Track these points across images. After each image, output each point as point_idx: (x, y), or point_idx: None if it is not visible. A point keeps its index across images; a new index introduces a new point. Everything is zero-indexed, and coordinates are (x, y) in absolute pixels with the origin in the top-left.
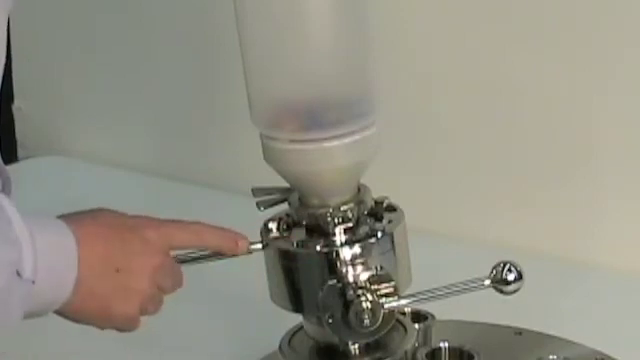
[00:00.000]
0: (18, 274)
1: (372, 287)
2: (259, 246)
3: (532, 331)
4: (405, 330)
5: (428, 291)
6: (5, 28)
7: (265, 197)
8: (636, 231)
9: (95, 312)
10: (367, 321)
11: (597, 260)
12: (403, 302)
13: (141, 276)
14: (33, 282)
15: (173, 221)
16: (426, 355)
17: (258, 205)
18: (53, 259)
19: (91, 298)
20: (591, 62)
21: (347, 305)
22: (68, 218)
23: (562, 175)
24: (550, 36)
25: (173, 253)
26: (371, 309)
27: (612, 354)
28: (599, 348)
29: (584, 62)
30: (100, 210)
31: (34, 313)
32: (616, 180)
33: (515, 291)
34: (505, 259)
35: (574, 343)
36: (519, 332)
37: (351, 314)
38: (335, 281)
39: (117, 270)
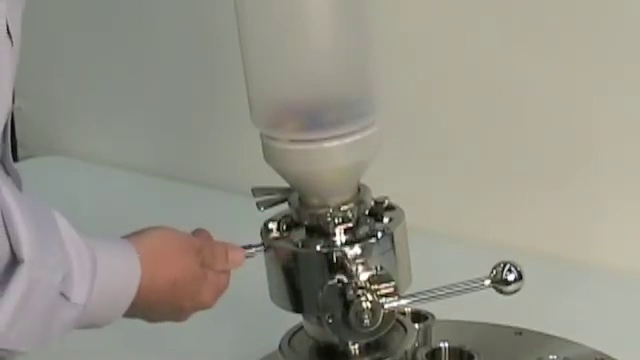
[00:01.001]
0: (65, 297)
1: (372, 287)
2: (252, 250)
3: (532, 331)
4: (405, 330)
5: (428, 291)
6: (20, 27)
7: (265, 197)
8: (636, 231)
9: (145, 316)
10: (367, 321)
11: (597, 260)
12: (403, 302)
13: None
14: (85, 306)
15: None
16: (426, 355)
17: (258, 205)
18: (112, 283)
19: (145, 310)
20: (591, 62)
21: (347, 305)
22: (134, 239)
23: (562, 175)
24: (550, 36)
25: None
26: (371, 309)
27: (612, 354)
28: (599, 348)
29: (584, 62)
30: (159, 229)
31: (81, 327)
32: (616, 180)
33: (515, 291)
34: (505, 259)
35: (574, 343)
36: (519, 332)
37: (351, 314)
38: (335, 281)
39: (174, 283)
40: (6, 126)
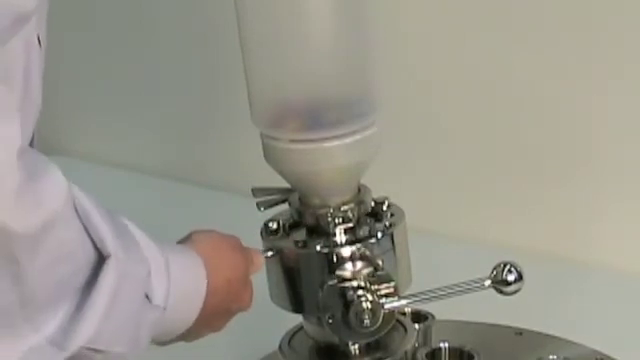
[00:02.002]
0: (148, 298)
1: (372, 287)
2: (268, 254)
3: (532, 331)
4: (405, 330)
5: (429, 291)
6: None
7: (265, 197)
8: (636, 231)
9: (200, 331)
10: (367, 321)
11: (597, 260)
12: (403, 302)
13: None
14: (164, 308)
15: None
16: (426, 355)
17: (258, 205)
18: (185, 287)
19: (203, 318)
20: (591, 62)
21: (347, 305)
22: (189, 245)
23: (562, 175)
24: (550, 36)
25: None
26: (371, 309)
27: (612, 354)
28: (599, 348)
29: (584, 62)
30: (203, 232)
31: (156, 339)
32: (616, 180)
33: (515, 292)
34: (505, 259)
35: (574, 343)
36: (519, 332)
37: (351, 314)
38: (335, 281)
39: (229, 282)
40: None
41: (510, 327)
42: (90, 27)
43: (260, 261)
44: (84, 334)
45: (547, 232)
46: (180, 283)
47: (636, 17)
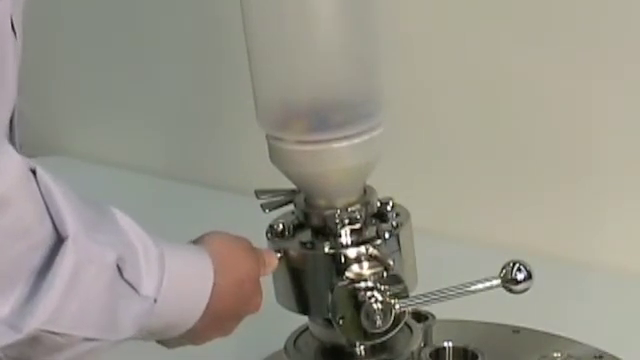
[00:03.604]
0: (132, 287)
1: (382, 288)
2: (280, 255)
3: (533, 330)
4: (411, 331)
5: (438, 291)
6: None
7: (270, 199)
8: (636, 231)
9: (210, 334)
10: (379, 322)
11: (597, 260)
12: (414, 302)
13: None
14: (155, 300)
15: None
16: (430, 355)
17: (263, 207)
18: (185, 282)
19: (212, 319)
20: (592, 62)
21: (358, 306)
22: (201, 242)
23: (562, 175)
24: (550, 36)
25: None
26: (382, 310)
27: (613, 353)
28: (599, 347)
29: (585, 62)
30: (215, 233)
31: (155, 334)
32: (616, 180)
33: (524, 290)
34: (506, 259)
35: (575, 341)
36: (517, 331)
37: (362, 315)
38: (345, 282)
39: (241, 285)
40: (12, 122)
41: (510, 326)
42: (90, 27)
43: (274, 261)
44: (39, 316)
45: (547, 232)
46: (179, 278)
47: (637, 17)
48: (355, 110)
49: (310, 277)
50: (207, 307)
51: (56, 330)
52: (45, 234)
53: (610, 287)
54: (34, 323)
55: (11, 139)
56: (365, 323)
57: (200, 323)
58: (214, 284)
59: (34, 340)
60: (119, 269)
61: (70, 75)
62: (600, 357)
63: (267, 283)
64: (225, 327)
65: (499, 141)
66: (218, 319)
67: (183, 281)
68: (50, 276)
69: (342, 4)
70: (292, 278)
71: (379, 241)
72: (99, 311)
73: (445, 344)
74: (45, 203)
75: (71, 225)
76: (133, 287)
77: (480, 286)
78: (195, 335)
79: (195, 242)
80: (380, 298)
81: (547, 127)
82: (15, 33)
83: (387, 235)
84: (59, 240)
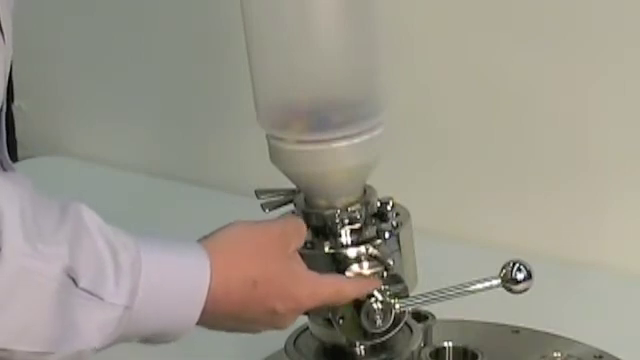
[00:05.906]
0: (98, 298)
1: (382, 288)
2: None
3: (533, 330)
4: (411, 331)
5: (438, 291)
6: (11, 24)
7: (270, 199)
8: (636, 231)
9: (227, 325)
10: (379, 322)
11: (597, 260)
12: (414, 302)
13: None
14: (127, 307)
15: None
16: (430, 354)
17: (263, 207)
18: (171, 286)
19: (227, 318)
20: (591, 62)
21: (358, 306)
22: (203, 241)
23: (562, 175)
24: (550, 36)
25: None
26: (382, 309)
27: (612, 353)
28: (599, 347)
29: (585, 62)
30: (233, 225)
31: (151, 339)
32: (616, 180)
33: (524, 290)
34: (506, 259)
35: (575, 341)
36: (519, 331)
37: (362, 315)
38: None
39: (254, 284)
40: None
41: (510, 326)
42: (90, 27)
43: (302, 229)
44: None
45: (547, 232)
46: (163, 282)
47: (637, 17)
48: (355, 110)
49: None
50: (205, 312)
51: None
52: None
53: (610, 287)
54: None
55: None
56: (365, 323)
57: (207, 324)
58: (210, 288)
59: None
60: (72, 279)
61: (70, 75)
62: (600, 357)
63: None
64: (266, 323)
65: (499, 141)
66: (229, 320)
67: (168, 285)
68: None
69: (342, 4)
70: None
71: (379, 241)
72: (44, 324)
73: (445, 344)
74: None
75: (9, 236)
76: (94, 295)
77: (480, 286)
78: (212, 327)
79: (205, 236)
80: (380, 298)
81: (547, 127)
82: (3, 34)
83: (387, 235)
84: None
